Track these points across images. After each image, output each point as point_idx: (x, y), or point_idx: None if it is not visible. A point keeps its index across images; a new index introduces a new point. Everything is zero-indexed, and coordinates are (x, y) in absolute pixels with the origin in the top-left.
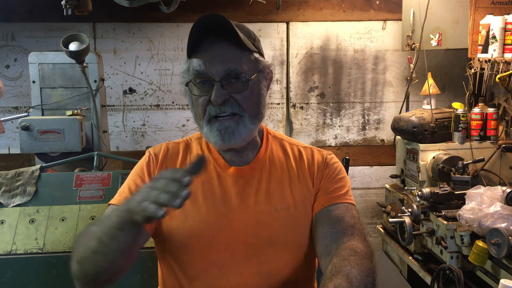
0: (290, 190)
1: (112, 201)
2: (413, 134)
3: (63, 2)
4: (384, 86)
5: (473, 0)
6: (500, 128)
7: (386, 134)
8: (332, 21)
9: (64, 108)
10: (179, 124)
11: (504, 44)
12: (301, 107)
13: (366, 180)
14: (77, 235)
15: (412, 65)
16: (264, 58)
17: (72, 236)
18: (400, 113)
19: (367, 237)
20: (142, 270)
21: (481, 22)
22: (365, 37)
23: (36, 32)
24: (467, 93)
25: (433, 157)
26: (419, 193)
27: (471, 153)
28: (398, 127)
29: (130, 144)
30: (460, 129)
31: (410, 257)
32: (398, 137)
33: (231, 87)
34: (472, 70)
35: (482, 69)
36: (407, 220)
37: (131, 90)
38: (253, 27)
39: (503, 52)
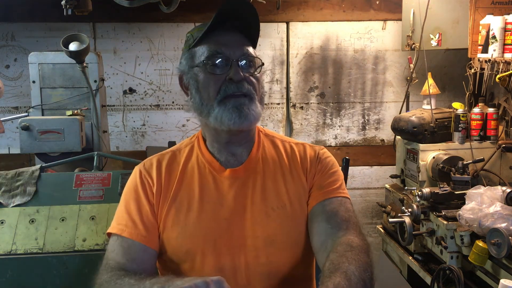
0: (285, 188)
1: (113, 230)
2: (413, 134)
3: (63, 2)
4: (384, 86)
5: (473, 0)
6: (500, 128)
7: (386, 134)
8: (332, 21)
9: (64, 108)
10: (179, 124)
11: (504, 44)
12: (301, 107)
13: (366, 180)
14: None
15: (412, 65)
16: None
17: (72, 236)
18: (400, 113)
19: (362, 230)
20: None
21: (481, 22)
22: (365, 37)
23: (36, 32)
24: (467, 93)
25: (433, 157)
26: (419, 193)
27: (471, 153)
28: (398, 127)
29: (130, 144)
30: (460, 129)
31: (410, 257)
32: (398, 137)
33: (246, 69)
34: (472, 70)
35: (482, 69)
36: (407, 220)
37: (131, 90)
38: None
39: (503, 52)
